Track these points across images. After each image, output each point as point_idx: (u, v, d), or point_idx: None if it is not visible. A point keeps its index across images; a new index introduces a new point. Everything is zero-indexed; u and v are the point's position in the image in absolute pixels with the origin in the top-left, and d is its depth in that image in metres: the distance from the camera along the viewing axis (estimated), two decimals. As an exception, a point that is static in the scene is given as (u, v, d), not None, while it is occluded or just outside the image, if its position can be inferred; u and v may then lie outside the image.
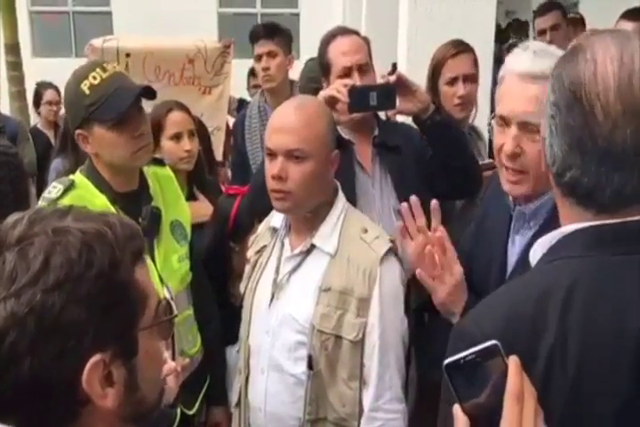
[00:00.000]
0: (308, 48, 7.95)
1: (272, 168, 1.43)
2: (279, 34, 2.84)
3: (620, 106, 0.70)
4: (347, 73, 1.86)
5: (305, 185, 1.42)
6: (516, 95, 1.22)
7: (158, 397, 0.78)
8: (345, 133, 1.88)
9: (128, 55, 3.98)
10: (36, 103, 4.54)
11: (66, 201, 1.52)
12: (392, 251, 1.46)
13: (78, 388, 0.67)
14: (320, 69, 1.96)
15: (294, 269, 1.50)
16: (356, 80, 1.82)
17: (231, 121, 3.81)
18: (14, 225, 0.69)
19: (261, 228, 1.67)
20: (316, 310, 1.43)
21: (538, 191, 1.25)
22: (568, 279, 0.73)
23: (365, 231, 1.47)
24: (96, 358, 0.67)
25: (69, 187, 1.57)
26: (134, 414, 0.74)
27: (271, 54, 2.77)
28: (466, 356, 0.73)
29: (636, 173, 0.72)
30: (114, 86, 1.55)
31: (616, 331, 0.69)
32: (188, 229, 1.78)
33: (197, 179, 2.24)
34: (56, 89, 4.56)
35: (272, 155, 1.44)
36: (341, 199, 1.53)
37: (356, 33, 1.97)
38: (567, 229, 0.77)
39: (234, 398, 1.64)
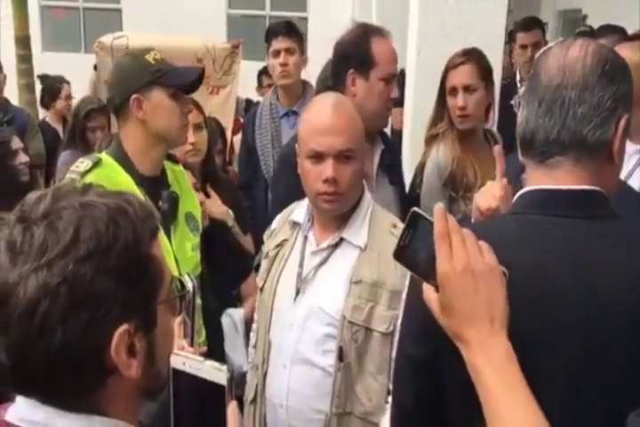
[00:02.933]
0: (315, 52, 7.98)
1: (324, 171, 1.43)
2: (297, 33, 2.89)
3: (556, 64, 0.94)
4: (391, 79, 1.91)
5: (354, 184, 1.46)
6: None
7: (168, 374, 0.81)
8: None
9: (132, 54, 3.99)
10: (53, 97, 4.52)
11: (92, 177, 1.57)
12: None
13: (106, 357, 0.70)
14: (350, 58, 1.93)
15: (321, 263, 1.51)
16: (395, 90, 1.92)
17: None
18: (38, 201, 0.71)
19: (277, 222, 1.67)
20: (347, 302, 1.45)
21: None
22: (504, 228, 0.97)
23: (395, 226, 1.50)
24: (124, 327, 0.70)
25: (97, 163, 1.61)
26: (150, 388, 0.77)
27: (289, 51, 2.80)
28: (401, 236, 0.82)
29: (560, 122, 0.92)
30: (174, 65, 1.69)
31: (530, 269, 0.88)
32: (200, 222, 1.83)
33: (210, 176, 2.24)
34: (69, 83, 4.59)
35: (319, 157, 1.44)
36: (367, 195, 1.55)
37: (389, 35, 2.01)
38: (520, 192, 0.99)
39: (249, 395, 1.63)
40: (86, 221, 0.69)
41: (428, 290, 0.81)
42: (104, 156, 1.67)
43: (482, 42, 2.33)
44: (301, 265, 1.52)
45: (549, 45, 1.04)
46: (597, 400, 0.88)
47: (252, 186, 2.76)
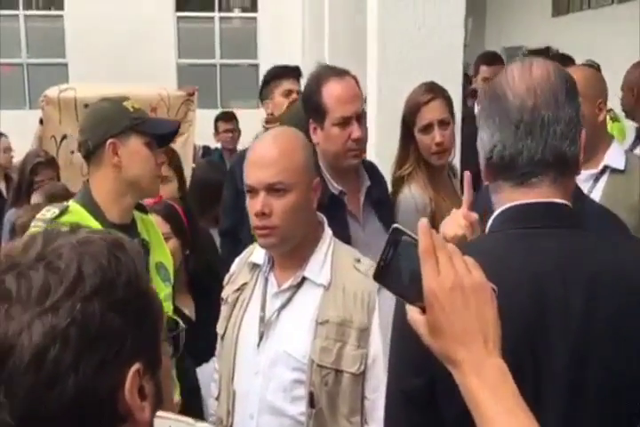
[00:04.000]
0: (267, 98, 8.01)
1: (254, 205, 1.39)
2: None
3: (524, 85, 0.95)
4: (345, 122, 1.86)
5: (290, 218, 1.38)
6: None
7: None
8: (337, 185, 1.89)
9: (87, 106, 3.90)
10: None
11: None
12: None
13: (120, 401, 0.65)
14: (308, 109, 1.93)
15: (284, 305, 1.43)
16: (356, 130, 1.85)
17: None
18: (26, 246, 0.66)
19: (236, 265, 1.59)
20: (314, 344, 1.36)
21: None
22: (486, 245, 0.99)
23: (358, 261, 1.43)
24: (135, 366, 0.65)
25: (64, 211, 1.55)
26: None
27: (298, 93, 2.81)
28: (381, 255, 0.76)
29: (542, 142, 0.93)
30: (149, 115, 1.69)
31: (509, 282, 0.87)
32: (172, 273, 1.77)
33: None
34: (6, 137, 4.43)
35: (253, 191, 1.40)
36: (328, 232, 1.48)
37: (348, 73, 1.95)
38: (497, 212, 1.00)
39: None
40: (87, 257, 0.65)
41: (412, 312, 0.77)
42: (72, 203, 1.63)
43: (442, 77, 2.32)
44: (263, 308, 1.44)
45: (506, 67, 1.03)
46: (600, 413, 0.88)
47: (238, 230, 2.63)
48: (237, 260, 1.61)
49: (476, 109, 3.69)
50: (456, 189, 2.20)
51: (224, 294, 1.56)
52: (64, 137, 3.98)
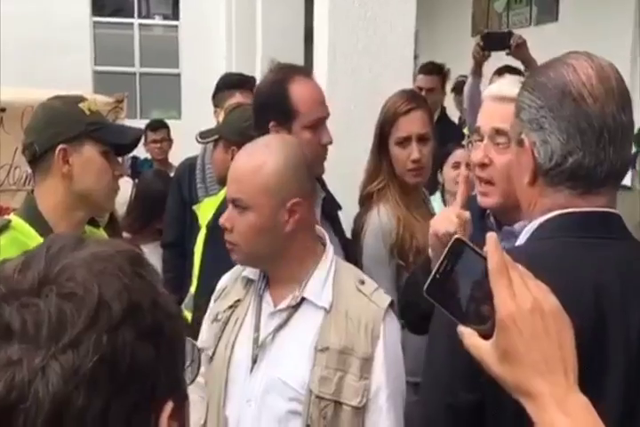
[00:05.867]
0: (189, 108, 7.82)
1: (222, 216, 1.34)
2: None
3: (602, 87, 0.88)
4: (317, 125, 1.74)
5: (250, 238, 1.31)
6: (488, 112, 1.40)
7: None
8: None
9: (3, 110, 3.66)
10: None
11: (1, 242, 1.34)
12: (393, 304, 1.34)
13: None
14: (269, 110, 1.75)
15: (280, 327, 1.32)
16: (326, 135, 1.75)
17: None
18: (24, 267, 0.53)
19: (228, 280, 1.48)
20: (313, 373, 1.26)
21: (507, 207, 1.32)
22: (540, 253, 0.91)
23: (362, 283, 1.35)
24: (169, 406, 0.55)
25: (5, 226, 1.37)
26: None
27: None
28: (437, 267, 0.69)
29: (622, 151, 0.89)
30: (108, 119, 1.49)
31: (571, 299, 0.76)
32: None
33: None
34: None
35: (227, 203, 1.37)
36: (330, 250, 1.39)
37: (312, 73, 1.86)
38: (541, 218, 0.93)
39: None
40: (107, 278, 0.54)
41: (470, 336, 0.69)
42: (14, 217, 1.43)
43: (391, 86, 2.30)
44: (257, 329, 1.34)
45: (556, 60, 0.93)
46: None
47: (181, 242, 2.56)
48: (229, 273, 1.50)
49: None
50: (431, 211, 2.03)
51: (213, 311, 1.44)
52: (-25, 144, 3.68)
